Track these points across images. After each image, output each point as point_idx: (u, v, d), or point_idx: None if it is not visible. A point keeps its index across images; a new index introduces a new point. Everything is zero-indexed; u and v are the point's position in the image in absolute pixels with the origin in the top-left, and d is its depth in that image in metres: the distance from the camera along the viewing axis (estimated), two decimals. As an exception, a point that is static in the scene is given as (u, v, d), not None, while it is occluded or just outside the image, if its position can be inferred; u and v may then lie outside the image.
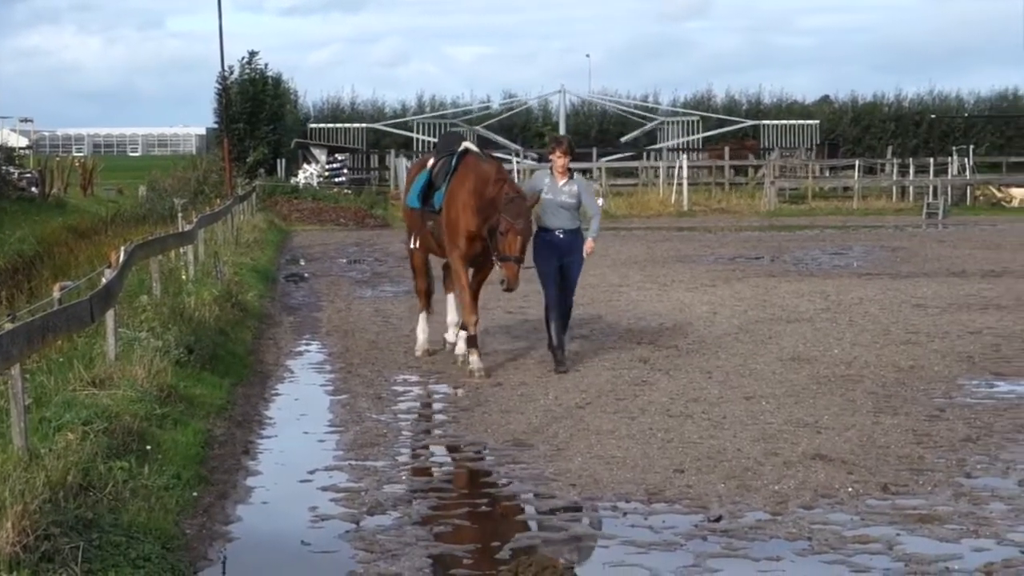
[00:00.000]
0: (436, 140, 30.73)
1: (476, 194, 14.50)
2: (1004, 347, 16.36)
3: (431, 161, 15.70)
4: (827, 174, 58.63)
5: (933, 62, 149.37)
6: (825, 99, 76.78)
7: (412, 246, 16.30)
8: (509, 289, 14.41)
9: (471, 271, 15.12)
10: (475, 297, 15.16)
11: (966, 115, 73.07)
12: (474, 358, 14.52)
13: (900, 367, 14.85)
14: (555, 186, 14.85)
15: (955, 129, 70.64)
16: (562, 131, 64.74)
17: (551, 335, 14.80)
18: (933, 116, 72.07)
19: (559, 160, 14.92)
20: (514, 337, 17.38)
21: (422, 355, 15.78)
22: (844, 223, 43.56)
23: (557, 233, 14.82)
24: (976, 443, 11.21)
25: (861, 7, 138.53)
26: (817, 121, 66.66)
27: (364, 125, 65.55)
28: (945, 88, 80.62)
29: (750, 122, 66.73)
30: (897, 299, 21.51)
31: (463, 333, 15.22)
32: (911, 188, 53.81)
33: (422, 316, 16.09)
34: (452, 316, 15.84)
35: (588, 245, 14.97)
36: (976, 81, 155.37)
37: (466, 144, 15.68)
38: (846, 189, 55.57)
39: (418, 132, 64.25)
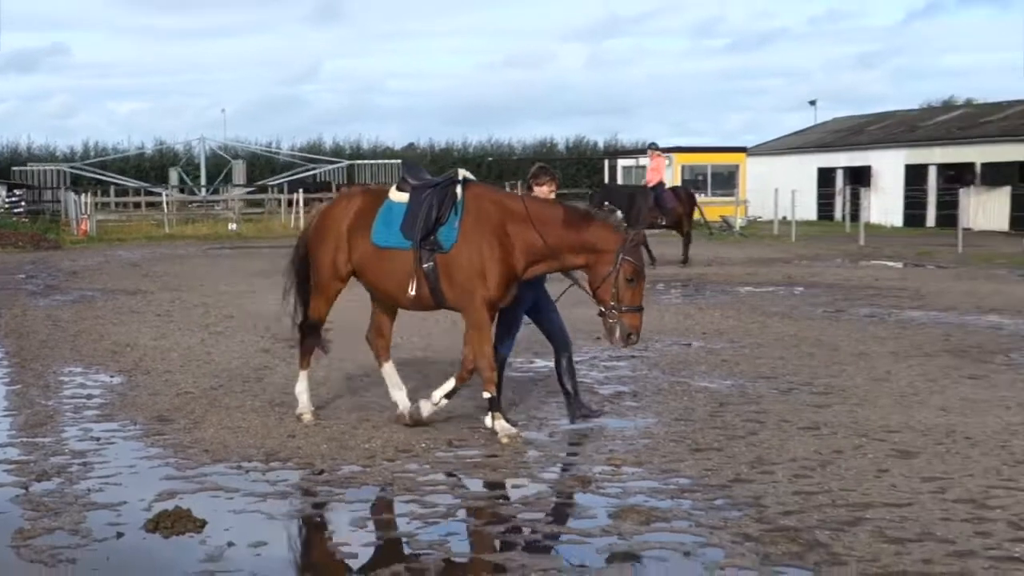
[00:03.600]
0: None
1: (545, 229, 9.91)
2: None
3: (396, 194, 10.47)
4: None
5: (491, 117, 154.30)
6: (410, 145, 78.28)
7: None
8: (636, 342, 10.32)
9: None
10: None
11: (516, 158, 75.68)
12: (502, 423, 10.08)
13: (464, 350, 15.10)
14: None
15: (508, 169, 72.86)
16: (203, 171, 64.12)
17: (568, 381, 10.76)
18: (491, 159, 74.48)
19: (549, 195, 10.75)
20: (160, 336, 16.86)
21: (312, 418, 10.76)
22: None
23: None
24: (518, 406, 11.47)
25: (436, 75, 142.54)
26: (400, 160, 67.44)
27: (47, 166, 63.43)
28: (501, 137, 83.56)
29: (347, 162, 67.15)
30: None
31: (443, 401, 10.48)
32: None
33: (305, 375, 11.06)
34: (399, 391, 10.83)
35: None
36: (522, 132, 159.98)
37: (463, 172, 10.53)
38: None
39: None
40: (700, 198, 54.47)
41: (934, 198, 55.75)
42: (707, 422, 10.68)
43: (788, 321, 18.32)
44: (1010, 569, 6.59)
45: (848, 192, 56.05)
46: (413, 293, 10.17)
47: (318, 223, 10.95)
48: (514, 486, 8.58)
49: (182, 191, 59.74)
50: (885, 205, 58.06)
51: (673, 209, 31.22)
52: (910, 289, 23.79)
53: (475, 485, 8.63)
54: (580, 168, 77.85)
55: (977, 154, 54.55)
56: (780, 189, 55.35)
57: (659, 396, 12.03)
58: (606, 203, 32.53)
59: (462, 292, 10.02)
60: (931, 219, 55.51)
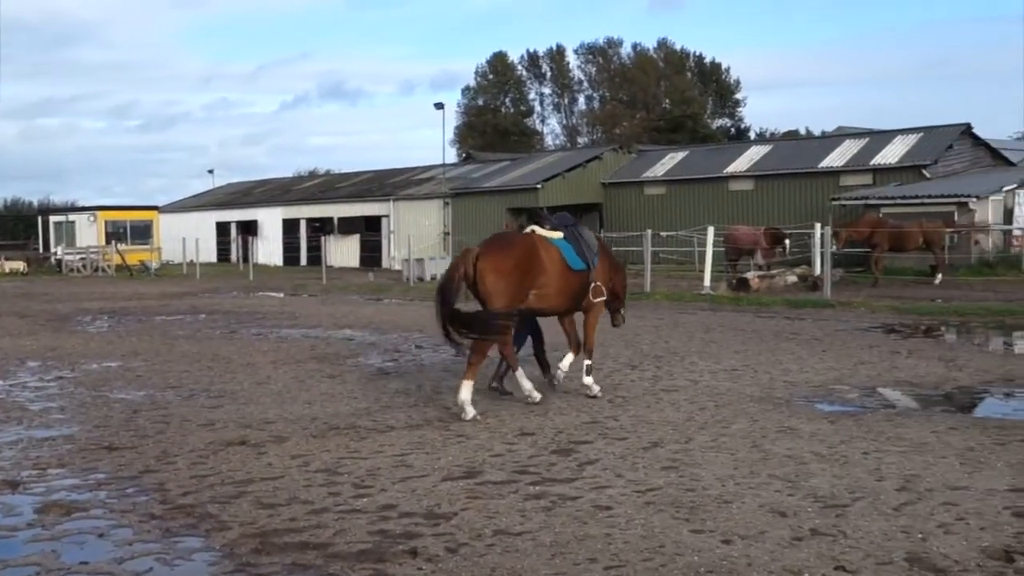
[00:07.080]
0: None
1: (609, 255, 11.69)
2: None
3: (552, 232, 10.97)
4: None
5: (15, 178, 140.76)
6: None
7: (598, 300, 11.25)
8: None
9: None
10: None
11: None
12: (597, 386, 11.38)
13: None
14: None
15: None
16: None
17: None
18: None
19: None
20: None
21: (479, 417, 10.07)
22: None
23: None
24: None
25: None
26: None
27: None
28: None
29: None
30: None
31: (559, 373, 11.46)
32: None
33: (471, 385, 10.24)
34: (528, 383, 10.92)
35: None
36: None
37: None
38: None
39: None
40: (121, 247, 52.09)
41: (305, 244, 57.16)
42: (123, 426, 10.11)
43: (192, 342, 17.90)
44: (352, 518, 6.80)
45: (240, 240, 56.01)
46: (595, 300, 11.20)
47: (509, 262, 10.27)
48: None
49: None
50: (269, 249, 58.74)
51: None
52: (287, 312, 24.16)
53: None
54: (18, 223, 71.65)
55: (334, 210, 56.68)
56: (187, 238, 54.15)
57: (83, 408, 11.22)
58: None
59: (595, 297, 11.18)
60: (304, 259, 56.88)
